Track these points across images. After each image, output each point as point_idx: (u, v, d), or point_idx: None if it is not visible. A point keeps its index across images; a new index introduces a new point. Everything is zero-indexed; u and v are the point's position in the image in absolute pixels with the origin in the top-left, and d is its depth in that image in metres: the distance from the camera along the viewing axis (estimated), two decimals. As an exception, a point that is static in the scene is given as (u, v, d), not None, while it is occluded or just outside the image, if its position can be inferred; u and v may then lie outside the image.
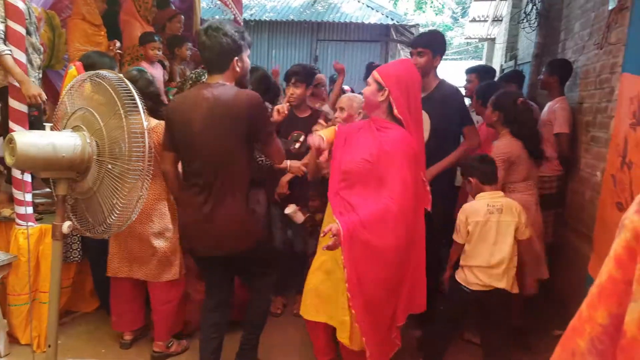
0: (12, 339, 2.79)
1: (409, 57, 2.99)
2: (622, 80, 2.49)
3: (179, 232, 2.45)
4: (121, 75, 2.00)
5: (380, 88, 2.13)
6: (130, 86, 1.90)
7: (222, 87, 2.07)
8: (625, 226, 0.99)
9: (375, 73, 2.17)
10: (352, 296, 2.03)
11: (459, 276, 2.50)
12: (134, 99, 1.87)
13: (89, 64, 2.95)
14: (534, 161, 2.91)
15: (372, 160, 2.07)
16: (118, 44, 3.93)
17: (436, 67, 2.91)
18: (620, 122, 2.50)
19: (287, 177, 3.10)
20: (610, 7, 3.07)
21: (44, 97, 2.60)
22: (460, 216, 2.51)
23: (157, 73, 4.17)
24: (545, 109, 3.68)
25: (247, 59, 2.18)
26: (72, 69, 2.82)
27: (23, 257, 2.67)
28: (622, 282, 0.99)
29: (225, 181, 2.08)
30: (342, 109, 2.82)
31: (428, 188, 2.24)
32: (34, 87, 2.58)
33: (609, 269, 1.02)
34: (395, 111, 2.11)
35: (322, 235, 2.09)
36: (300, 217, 2.97)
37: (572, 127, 3.56)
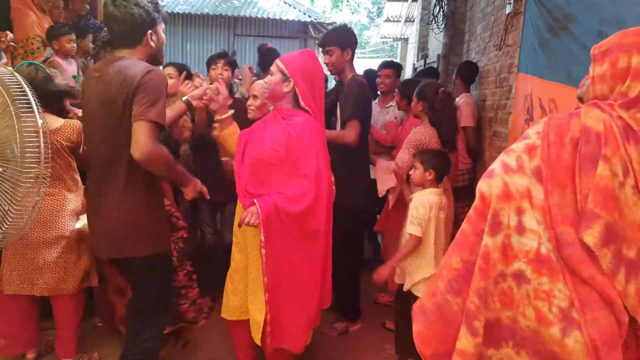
0: None
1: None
2: (518, 79, 2.72)
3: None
4: (11, 69, 1.81)
5: (286, 79, 2.11)
6: (22, 81, 1.73)
7: (118, 59, 1.87)
8: (475, 193, 1.28)
9: (279, 63, 2.13)
10: (269, 282, 2.00)
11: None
12: (27, 96, 1.71)
13: None
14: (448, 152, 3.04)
15: (281, 149, 2.04)
16: (10, 35, 3.57)
17: (349, 60, 2.93)
18: (517, 118, 2.73)
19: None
20: (507, 12, 3.33)
21: None
22: (420, 208, 2.42)
23: (72, 68, 3.86)
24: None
25: (162, 33, 2.01)
26: None
27: None
28: (472, 234, 1.28)
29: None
30: (255, 96, 2.69)
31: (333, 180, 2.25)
32: None
33: (462, 227, 1.31)
34: (302, 102, 2.11)
35: (238, 227, 2.04)
36: None
37: (477, 122, 3.83)
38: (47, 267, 2.35)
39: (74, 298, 2.47)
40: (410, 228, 2.37)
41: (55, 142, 2.26)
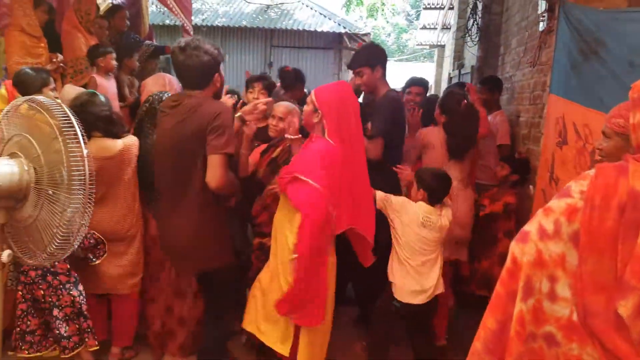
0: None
1: None
2: (549, 101, 2.68)
3: None
4: (59, 100, 1.96)
5: (315, 110, 2.23)
6: (69, 112, 1.87)
7: (193, 98, 2.13)
8: (509, 254, 1.28)
9: (312, 94, 2.27)
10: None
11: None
12: (72, 125, 1.84)
13: (18, 82, 2.86)
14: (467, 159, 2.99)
15: (290, 170, 2.20)
16: (60, 57, 3.82)
17: (379, 77, 2.94)
18: (548, 139, 2.69)
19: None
20: (540, 29, 3.28)
21: None
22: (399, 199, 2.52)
23: (111, 85, 4.06)
24: (485, 122, 3.89)
25: (222, 72, 2.24)
26: (2, 89, 2.71)
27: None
28: (504, 295, 1.29)
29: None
30: (280, 119, 2.70)
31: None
32: None
33: (496, 288, 1.32)
34: (326, 134, 2.22)
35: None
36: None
37: (511, 139, 3.79)
38: (110, 270, 2.64)
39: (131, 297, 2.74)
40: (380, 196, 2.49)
41: (117, 164, 2.52)
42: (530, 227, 1.25)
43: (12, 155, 1.94)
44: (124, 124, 2.85)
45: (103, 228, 2.57)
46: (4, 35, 3.86)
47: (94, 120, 2.47)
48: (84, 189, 1.88)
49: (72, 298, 2.49)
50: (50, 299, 2.45)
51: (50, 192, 1.89)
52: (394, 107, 2.92)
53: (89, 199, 1.91)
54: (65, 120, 1.87)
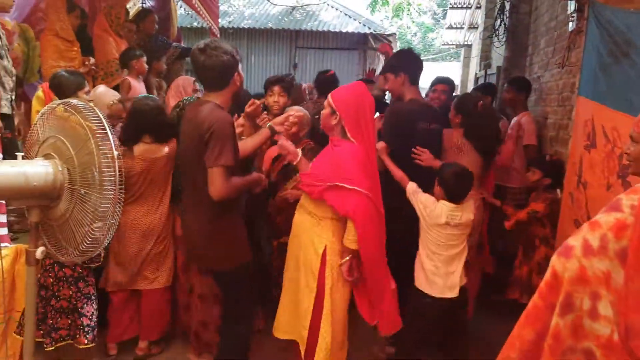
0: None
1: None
2: (578, 103, 2.63)
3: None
4: (91, 103, 2.03)
5: (333, 112, 2.25)
6: (100, 114, 1.93)
7: (203, 104, 2.17)
8: (549, 267, 1.26)
9: (329, 97, 2.28)
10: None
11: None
12: (104, 128, 1.91)
13: (55, 85, 3.00)
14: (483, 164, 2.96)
15: (322, 177, 2.22)
16: (92, 60, 3.95)
17: (404, 83, 2.88)
18: (576, 142, 2.63)
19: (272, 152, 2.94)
20: (569, 29, 3.22)
21: (1, 130, 2.61)
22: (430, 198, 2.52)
23: (141, 88, 4.19)
24: (511, 123, 3.83)
25: (241, 71, 2.27)
26: (39, 92, 2.83)
27: (-1, 276, 2.67)
28: (543, 307, 1.27)
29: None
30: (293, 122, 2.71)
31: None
32: None
33: (533, 298, 1.30)
34: (348, 134, 2.23)
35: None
36: None
37: (538, 140, 3.72)
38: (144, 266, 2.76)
39: (161, 292, 2.84)
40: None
41: (161, 167, 2.68)
42: (575, 241, 1.21)
43: (47, 157, 2.02)
44: (175, 128, 2.96)
45: (139, 224, 2.70)
46: (39, 39, 4.02)
47: (147, 125, 2.66)
48: (114, 189, 1.94)
49: (70, 293, 2.59)
50: (52, 288, 2.58)
51: (82, 192, 1.96)
52: (396, 119, 2.88)
53: (119, 199, 1.98)
54: (98, 122, 1.94)
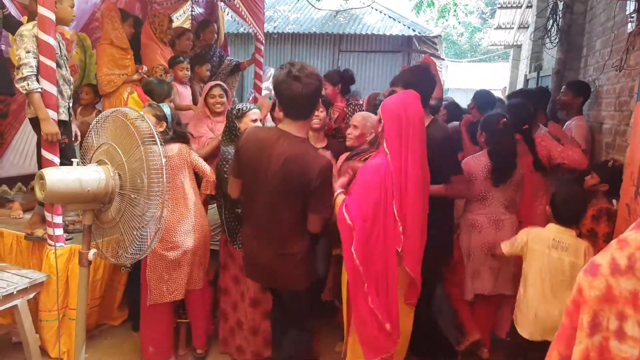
0: (42, 352, 2.94)
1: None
2: (637, 109, 2.47)
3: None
4: (142, 113, 2.11)
5: (380, 120, 2.24)
6: (150, 124, 2.01)
7: (301, 144, 2.09)
8: (575, 285, 1.23)
9: (382, 104, 2.26)
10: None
11: None
12: (154, 137, 1.98)
13: (148, 90, 3.44)
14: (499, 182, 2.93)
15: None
16: (145, 68, 4.10)
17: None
18: (634, 150, 2.47)
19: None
20: (628, 30, 3.05)
21: (59, 136, 2.75)
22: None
23: (187, 93, 4.34)
24: (565, 126, 3.69)
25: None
26: (134, 94, 3.08)
27: (54, 275, 2.82)
28: (569, 328, 1.23)
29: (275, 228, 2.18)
30: (355, 127, 2.80)
31: (399, 226, 2.14)
32: (51, 126, 2.70)
33: (562, 319, 1.27)
34: (384, 144, 2.17)
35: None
36: None
37: (589, 145, 3.55)
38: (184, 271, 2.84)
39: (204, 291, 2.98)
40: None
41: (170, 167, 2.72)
42: (602, 259, 1.19)
43: (100, 162, 2.12)
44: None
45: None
46: (95, 47, 4.22)
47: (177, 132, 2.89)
48: (161, 195, 2.01)
49: None
50: None
51: (132, 196, 2.04)
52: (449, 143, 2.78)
53: (165, 204, 2.04)
54: (147, 130, 2.02)
